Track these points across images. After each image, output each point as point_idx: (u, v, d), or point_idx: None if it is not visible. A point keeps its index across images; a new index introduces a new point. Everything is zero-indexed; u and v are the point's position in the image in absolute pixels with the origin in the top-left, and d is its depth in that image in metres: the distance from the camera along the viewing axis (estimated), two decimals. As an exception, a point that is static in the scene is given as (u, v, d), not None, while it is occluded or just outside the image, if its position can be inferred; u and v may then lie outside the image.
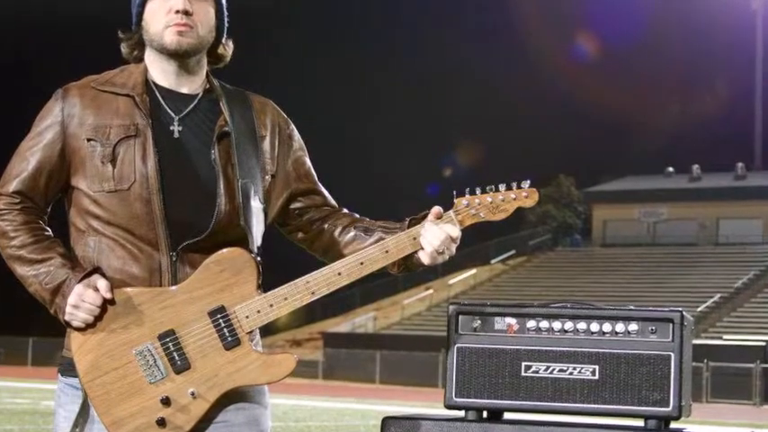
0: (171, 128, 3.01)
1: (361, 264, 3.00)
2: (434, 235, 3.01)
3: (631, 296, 44.21)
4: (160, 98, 3.03)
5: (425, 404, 24.00)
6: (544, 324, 3.32)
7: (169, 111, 3.03)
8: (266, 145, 3.11)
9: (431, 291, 51.79)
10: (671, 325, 3.27)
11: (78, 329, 2.91)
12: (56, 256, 2.94)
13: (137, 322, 2.90)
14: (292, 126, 3.21)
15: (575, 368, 3.28)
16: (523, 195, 3.09)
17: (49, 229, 3.03)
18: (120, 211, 2.94)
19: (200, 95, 3.08)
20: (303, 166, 3.20)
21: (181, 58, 3.03)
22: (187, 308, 2.91)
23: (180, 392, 2.88)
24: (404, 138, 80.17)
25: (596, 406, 3.26)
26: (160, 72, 3.06)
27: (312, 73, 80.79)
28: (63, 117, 2.99)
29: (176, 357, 2.89)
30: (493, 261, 56.50)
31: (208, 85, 3.11)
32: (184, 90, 3.07)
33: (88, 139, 2.97)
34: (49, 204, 3.06)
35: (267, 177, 3.10)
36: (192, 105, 3.05)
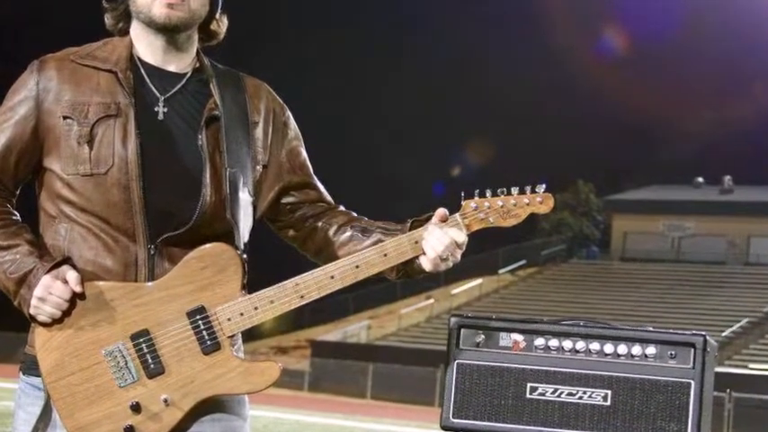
0: (155, 109, 3.00)
1: (357, 267, 3.00)
2: (438, 239, 3.00)
3: (650, 316, 44.20)
4: (145, 76, 3.03)
5: (419, 424, 23.98)
6: (553, 342, 3.32)
7: (154, 90, 3.02)
8: (259, 132, 3.11)
9: (431, 300, 51.78)
10: (692, 350, 3.27)
11: (44, 325, 2.90)
12: (23, 243, 2.94)
13: (108, 320, 2.89)
14: (288, 113, 3.20)
15: (585, 392, 3.28)
16: (537, 200, 3.08)
17: (16, 213, 3.03)
18: (95, 197, 2.93)
19: (188, 75, 3.07)
20: (298, 157, 3.19)
21: (170, 32, 3.02)
22: (164, 307, 2.91)
23: (152, 399, 2.88)
24: (409, 132, 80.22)
25: (606, 435, 3.26)
26: (146, 47, 3.05)
27: (313, 63, 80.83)
28: (38, 91, 2.99)
29: (149, 360, 2.89)
30: (501, 271, 56.49)
31: (198, 64, 3.11)
32: (172, 68, 3.06)
33: (64, 117, 2.96)
34: (19, 186, 3.05)
35: (258, 168, 3.09)
36: (179, 85, 3.05)
